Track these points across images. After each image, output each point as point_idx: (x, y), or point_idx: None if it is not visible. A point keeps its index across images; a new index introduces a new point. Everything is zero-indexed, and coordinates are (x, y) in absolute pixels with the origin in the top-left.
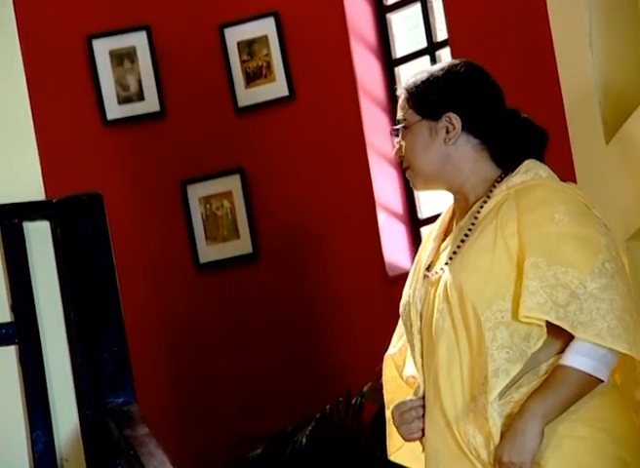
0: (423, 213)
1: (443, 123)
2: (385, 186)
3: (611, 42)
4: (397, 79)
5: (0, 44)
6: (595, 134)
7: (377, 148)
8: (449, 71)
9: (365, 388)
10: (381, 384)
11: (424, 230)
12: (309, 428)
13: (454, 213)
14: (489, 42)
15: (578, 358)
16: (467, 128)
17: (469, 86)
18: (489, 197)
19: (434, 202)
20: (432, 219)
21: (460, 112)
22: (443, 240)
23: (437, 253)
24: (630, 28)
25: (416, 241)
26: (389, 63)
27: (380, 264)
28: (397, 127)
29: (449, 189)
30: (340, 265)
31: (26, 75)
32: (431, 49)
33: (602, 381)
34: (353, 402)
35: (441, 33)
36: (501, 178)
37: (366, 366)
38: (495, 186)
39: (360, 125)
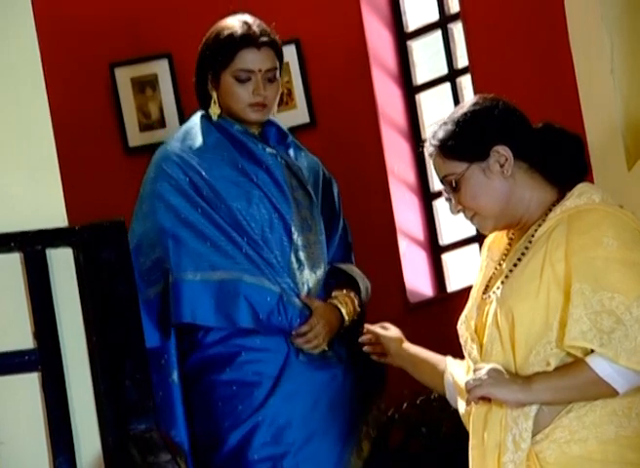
0: (445, 239)
1: (493, 159)
2: (406, 213)
3: (633, 69)
4: (418, 106)
5: (23, 73)
6: (617, 160)
7: (398, 175)
8: (473, 111)
9: (390, 414)
10: (408, 410)
11: (446, 257)
12: None
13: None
14: (510, 68)
15: (600, 361)
16: (514, 154)
17: (497, 116)
18: (544, 221)
19: (455, 229)
20: (454, 246)
21: (503, 141)
22: (503, 259)
23: (495, 273)
24: None
25: (437, 268)
26: (410, 90)
27: (402, 291)
28: (447, 184)
29: (515, 219)
30: None
31: (49, 103)
32: (452, 76)
33: (617, 392)
34: None
35: (462, 60)
36: (558, 201)
37: (390, 393)
38: (550, 209)
39: (381, 152)
